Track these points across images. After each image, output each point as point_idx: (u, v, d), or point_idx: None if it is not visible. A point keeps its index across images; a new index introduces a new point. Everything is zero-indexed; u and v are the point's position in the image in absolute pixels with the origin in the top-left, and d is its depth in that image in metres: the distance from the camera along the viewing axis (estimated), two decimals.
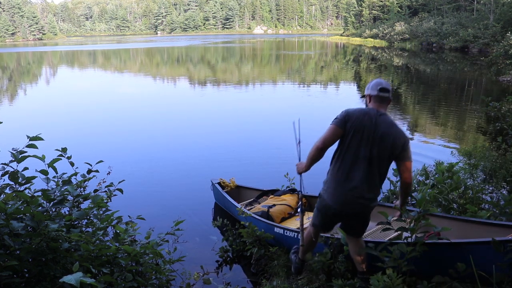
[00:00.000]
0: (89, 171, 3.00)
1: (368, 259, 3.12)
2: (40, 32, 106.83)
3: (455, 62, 28.25)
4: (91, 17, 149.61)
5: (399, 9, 58.86)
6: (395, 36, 49.48)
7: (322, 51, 48.49)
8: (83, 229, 2.74)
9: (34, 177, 2.57)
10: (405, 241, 2.84)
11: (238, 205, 4.91)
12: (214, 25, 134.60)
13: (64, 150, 2.87)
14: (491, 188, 5.19)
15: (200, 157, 8.14)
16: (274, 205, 4.85)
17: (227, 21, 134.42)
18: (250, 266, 4.15)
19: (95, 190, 3.06)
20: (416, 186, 4.61)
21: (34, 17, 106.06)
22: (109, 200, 3.07)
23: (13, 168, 2.52)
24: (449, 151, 7.76)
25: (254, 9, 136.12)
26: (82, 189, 2.91)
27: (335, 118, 2.90)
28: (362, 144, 2.80)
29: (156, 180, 6.95)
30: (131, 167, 7.47)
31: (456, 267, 2.68)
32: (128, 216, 3.12)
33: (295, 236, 3.90)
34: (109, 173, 3.52)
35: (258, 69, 28.57)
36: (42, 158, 2.62)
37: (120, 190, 3.13)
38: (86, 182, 2.96)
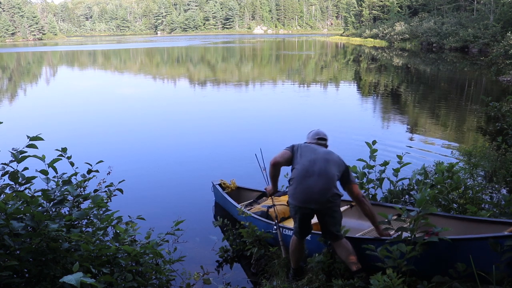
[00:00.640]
0: (89, 171, 3.00)
1: (366, 259, 3.12)
2: (40, 32, 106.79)
3: (455, 62, 28.23)
4: (91, 17, 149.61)
5: (399, 9, 58.82)
6: (395, 36, 49.44)
7: (322, 51, 48.48)
8: (83, 229, 2.74)
9: (34, 177, 2.57)
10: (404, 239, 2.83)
11: (238, 206, 4.92)
12: (214, 25, 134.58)
13: (64, 150, 2.88)
14: (491, 188, 5.19)
15: (200, 157, 8.14)
16: (274, 205, 4.84)
17: (227, 21, 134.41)
18: (250, 266, 4.14)
19: (95, 190, 3.06)
20: (416, 186, 4.60)
21: (34, 17, 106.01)
22: (109, 200, 3.08)
23: (13, 168, 2.53)
24: (449, 151, 7.75)
25: (254, 9, 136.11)
26: (82, 189, 2.91)
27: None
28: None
29: (156, 180, 6.94)
30: (131, 167, 7.46)
31: (456, 266, 2.68)
32: (128, 216, 3.12)
33: None
34: (109, 173, 3.52)
35: (258, 69, 28.56)
36: (42, 158, 2.63)
37: (120, 190, 3.13)
38: (86, 182, 2.96)
